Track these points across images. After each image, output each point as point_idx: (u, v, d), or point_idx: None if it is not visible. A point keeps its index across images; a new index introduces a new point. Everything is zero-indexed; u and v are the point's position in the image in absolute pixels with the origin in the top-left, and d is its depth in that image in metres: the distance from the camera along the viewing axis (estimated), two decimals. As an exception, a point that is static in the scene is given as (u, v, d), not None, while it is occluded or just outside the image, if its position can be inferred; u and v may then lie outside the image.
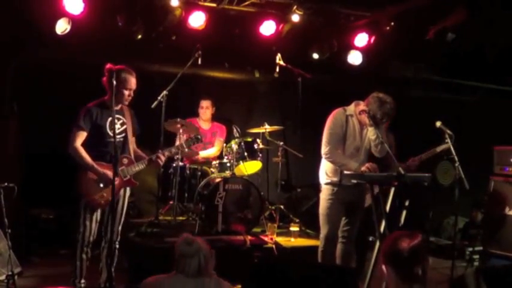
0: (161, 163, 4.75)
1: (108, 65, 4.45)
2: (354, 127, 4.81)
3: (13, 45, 6.18)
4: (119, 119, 4.58)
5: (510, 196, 6.07)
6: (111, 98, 4.34)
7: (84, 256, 4.55)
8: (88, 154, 4.45)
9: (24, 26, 5.87)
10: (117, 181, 4.42)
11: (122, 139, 4.61)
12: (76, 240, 4.53)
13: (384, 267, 2.53)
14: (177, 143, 6.42)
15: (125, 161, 4.62)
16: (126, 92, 4.52)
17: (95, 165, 4.45)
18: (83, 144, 4.46)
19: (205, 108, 7.00)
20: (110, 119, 4.48)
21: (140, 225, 5.99)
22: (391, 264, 2.50)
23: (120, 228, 4.65)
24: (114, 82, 4.26)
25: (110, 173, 4.42)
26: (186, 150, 5.02)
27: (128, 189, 4.73)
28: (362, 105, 4.75)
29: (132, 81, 4.53)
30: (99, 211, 4.56)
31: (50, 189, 6.09)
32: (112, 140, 4.42)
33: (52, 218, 6.21)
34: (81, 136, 4.45)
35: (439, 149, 5.41)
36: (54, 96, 6.35)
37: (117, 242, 4.66)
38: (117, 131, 4.51)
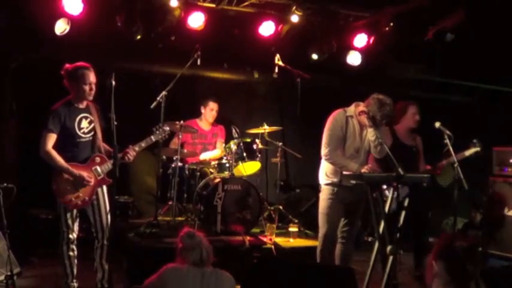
0: (131, 158, 4.69)
1: (65, 66, 4.50)
2: (353, 128, 4.80)
3: (12, 46, 6.17)
4: (86, 118, 4.58)
5: (509, 197, 6.08)
6: (76, 96, 4.51)
7: (71, 253, 4.57)
8: (61, 156, 4.45)
9: (24, 27, 5.86)
10: (92, 181, 4.49)
11: (91, 138, 4.62)
12: (62, 239, 4.55)
13: (434, 263, 2.50)
14: (176, 143, 6.43)
15: (98, 159, 4.62)
16: (87, 87, 4.50)
17: (70, 167, 4.45)
18: (54, 147, 4.45)
19: (215, 111, 6.98)
20: (77, 118, 4.52)
21: (139, 225, 5.98)
22: (445, 261, 2.47)
23: (108, 226, 4.63)
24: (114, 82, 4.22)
25: (85, 174, 4.49)
26: (153, 139, 4.87)
27: (104, 187, 4.67)
28: (362, 106, 4.75)
29: (90, 75, 4.50)
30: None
31: (49, 190, 6.07)
32: (82, 140, 4.53)
33: (51, 219, 6.18)
34: (52, 139, 4.44)
35: (468, 152, 5.37)
36: (54, 97, 6.32)
37: (107, 240, 4.63)
38: (86, 130, 4.56)
